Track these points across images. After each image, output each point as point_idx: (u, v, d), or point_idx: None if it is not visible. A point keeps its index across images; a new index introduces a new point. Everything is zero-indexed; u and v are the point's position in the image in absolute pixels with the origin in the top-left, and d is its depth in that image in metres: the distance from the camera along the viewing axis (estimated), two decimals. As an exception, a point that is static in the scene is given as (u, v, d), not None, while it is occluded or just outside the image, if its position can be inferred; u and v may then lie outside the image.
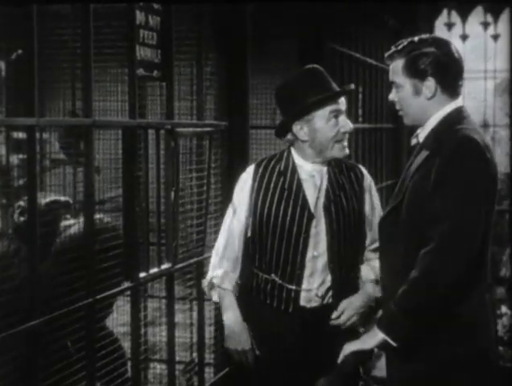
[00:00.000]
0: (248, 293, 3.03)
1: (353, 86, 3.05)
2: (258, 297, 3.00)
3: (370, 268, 3.02)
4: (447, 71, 2.61)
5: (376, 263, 2.91)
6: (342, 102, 2.94)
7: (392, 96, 2.69)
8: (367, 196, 3.04)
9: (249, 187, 2.99)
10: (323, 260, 2.93)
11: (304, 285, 2.93)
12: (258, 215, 2.96)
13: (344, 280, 2.98)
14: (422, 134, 2.65)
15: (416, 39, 2.64)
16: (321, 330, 2.95)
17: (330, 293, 2.95)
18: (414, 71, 2.61)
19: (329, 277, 2.94)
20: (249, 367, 3.00)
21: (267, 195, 2.96)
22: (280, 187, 2.97)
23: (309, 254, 2.93)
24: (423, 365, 2.56)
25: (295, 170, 2.98)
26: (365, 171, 3.09)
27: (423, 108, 2.63)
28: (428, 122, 2.63)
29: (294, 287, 2.93)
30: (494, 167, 2.54)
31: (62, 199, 3.55)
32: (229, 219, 3.04)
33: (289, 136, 2.98)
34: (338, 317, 2.95)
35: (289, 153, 3.01)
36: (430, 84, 2.60)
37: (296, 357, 2.96)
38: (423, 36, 2.65)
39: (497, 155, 2.62)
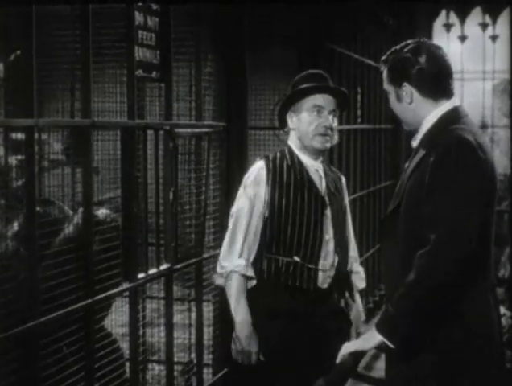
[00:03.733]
0: (263, 280, 3.26)
1: (343, 89, 3.41)
2: (278, 281, 3.23)
3: (361, 279, 3.47)
4: (422, 76, 2.61)
5: (361, 271, 3.47)
6: (329, 101, 3.27)
7: (390, 103, 2.74)
8: (345, 196, 3.44)
9: (264, 180, 3.24)
10: (332, 243, 3.27)
11: (320, 265, 3.24)
12: (277, 205, 3.23)
13: (344, 265, 3.36)
14: (419, 136, 2.67)
15: (399, 46, 2.68)
16: (328, 307, 3.31)
17: (335, 275, 3.28)
18: (392, 79, 2.67)
19: (336, 260, 3.28)
20: (250, 367, 3.24)
21: (283, 186, 3.24)
22: (294, 179, 3.26)
23: (324, 237, 3.25)
24: (423, 366, 2.56)
25: (301, 164, 3.29)
26: (341, 175, 3.49)
27: (411, 113, 2.66)
28: (423, 124, 2.65)
29: (313, 266, 3.23)
30: (490, 167, 2.53)
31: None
32: (247, 211, 3.24)
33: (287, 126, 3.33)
34: None
35: (290, 149, 3.32)
36: (406, 89, 2.63)
37: (309, 338, 3.24)
38: (407, 42, 2.68)
39: (495, 156, 2.63)
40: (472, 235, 2.46)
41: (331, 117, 3.26)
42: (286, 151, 3.31)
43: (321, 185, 3.29)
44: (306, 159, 3.29)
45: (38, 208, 3.19)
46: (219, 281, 3.31)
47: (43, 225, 3.18)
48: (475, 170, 2.49)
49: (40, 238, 3.09)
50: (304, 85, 3.26)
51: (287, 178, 3.26)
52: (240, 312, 3.22)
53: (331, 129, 3.26)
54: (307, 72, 3.35)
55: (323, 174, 3.31)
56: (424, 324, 2.50)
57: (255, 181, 3.26)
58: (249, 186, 3.27)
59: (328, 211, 3.27)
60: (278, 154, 3.32)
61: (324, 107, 3.25)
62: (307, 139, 3.25)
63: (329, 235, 3.26)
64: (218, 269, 3.30)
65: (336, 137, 3.35)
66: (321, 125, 3.23)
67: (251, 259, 3.25)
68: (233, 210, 3.31)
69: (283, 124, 3.35)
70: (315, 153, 3.30)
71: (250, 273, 3.24)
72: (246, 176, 3.31)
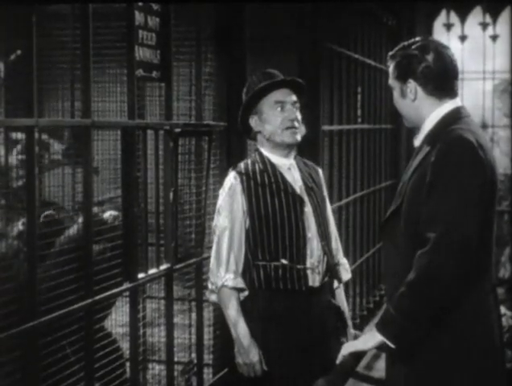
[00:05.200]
0: (255, 288, 3.24)
1: (298, 79, 3.36)
2: (270, 286, 3.22)
3: (345, 270, 3.48)
4: (428, 74, 2.63)
5: (345, 262, 3.48)
6: (288, 94, 3.28)
7: (393, 98, 2.74)
8: (324, 188, 3.43)
9: (239, 190, 3.24)
10: (315, 240, 3.27)
11: (308, 264, 3.22)
12: (256, 212, 3.23)
13: (330, 258, 3.34)
14: (420, 136, 2.68)
15: (407, 42, 2.70)
16: (323, 305, 3.30)
17: (325, 271, 3.29)
18: (398, 75, 2.68)
19: (322, 255, 3.28)
20: (257, 379, 3.21)
21: (258, 192, 3.24)
22: (268, 182, 3.26)
23: (307, 235, 3.25)
24: (423, 366, 2.56)
25: (273, 165, 3.29)
26: (318, 167, 3.49)
27: (413, 110, 2.67)
28: (425, 123, 2.66)
29: (302, 266, 3.21)
30: (490, 167, 2.54)
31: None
32: (227, 224, 3.24)
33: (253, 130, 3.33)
34: None
35: (260, 153, 3.32)
36: (411, 86, 2.65)
37: (310, 337, 3.24)
38: (415, 39, 2.70)
39: (496, 156, 2.63)
40: (472, 234, 2.46)
41: (294, 109, 3.27)
42: (257, 156, 3.31)
43: (297, 182, 3.29)
44: (277, 159, 3.29)
45: (49, 211, 3.21)
46: (212, 297, 3.31)
47: (47, 225, 3.19)
48: (475, 170, 2.49)
49: (42, 238, 3.09)
50: (260, 85, 3.27)
51: (262, 183, 3.25)
52: (237, 325, 3.20)
53: (297, 121, 3.27)
54: (259, 73, 3.35)
55: (297, 171, 3.31)
56: (424, 324, 2.50)
57: (230, 192, 3.25)
58: (225, 199, 3.26)
59: (308, 208, 3.27)
60: (249, 161, 3.32)
61: (285, 101, 3.26)
62: (277, 135, 3.25)
63: (311, 231, 3.26)
64: (209, 286, 3.31)
65: (303, 129, 3.32)
66: (287, 119, 3.24)
67: (239, 270, 3.24)
68: (214, 224, 3.31)
69: (248, 131, 3.34)
70: (286, 149, 3.29)
71: (240, 284, 3.23)
72: (221, 189, 3.31)
